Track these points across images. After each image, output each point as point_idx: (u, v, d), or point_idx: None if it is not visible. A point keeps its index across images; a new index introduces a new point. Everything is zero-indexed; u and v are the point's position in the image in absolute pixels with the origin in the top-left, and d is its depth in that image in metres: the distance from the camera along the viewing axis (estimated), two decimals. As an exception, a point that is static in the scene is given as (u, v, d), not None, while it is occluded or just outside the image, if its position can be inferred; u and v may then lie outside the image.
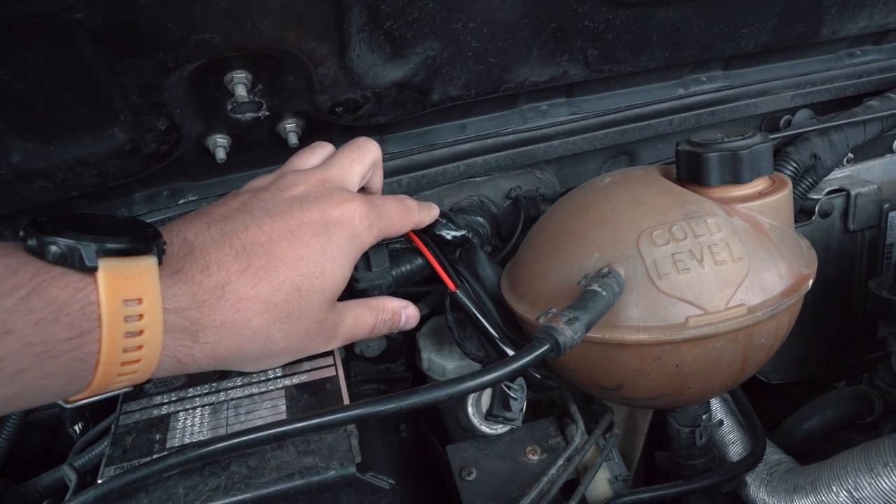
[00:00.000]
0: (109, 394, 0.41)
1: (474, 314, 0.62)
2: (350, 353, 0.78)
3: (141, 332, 0.37)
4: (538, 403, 0.80)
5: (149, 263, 0.38)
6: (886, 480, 0.53)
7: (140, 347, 0.38)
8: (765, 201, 0.60)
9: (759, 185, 0.61)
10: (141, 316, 0.37)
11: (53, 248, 0.35)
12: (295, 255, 0.45)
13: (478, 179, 0.73)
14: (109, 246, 0.36)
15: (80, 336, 0.35)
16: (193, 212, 0.47)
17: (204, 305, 0.42)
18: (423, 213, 0.58)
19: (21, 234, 0.36)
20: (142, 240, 0.39)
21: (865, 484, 0.55)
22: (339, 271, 0.48)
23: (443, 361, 0.71)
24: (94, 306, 0.35)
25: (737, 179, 0.60)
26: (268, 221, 0.46)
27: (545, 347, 0.47)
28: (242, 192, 0.51)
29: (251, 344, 0.45)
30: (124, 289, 0.36)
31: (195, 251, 0.43)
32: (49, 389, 0.36)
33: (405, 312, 0.58)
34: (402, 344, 0.78)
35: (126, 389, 0.43)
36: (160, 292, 0.38)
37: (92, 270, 0.36)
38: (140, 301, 0.37)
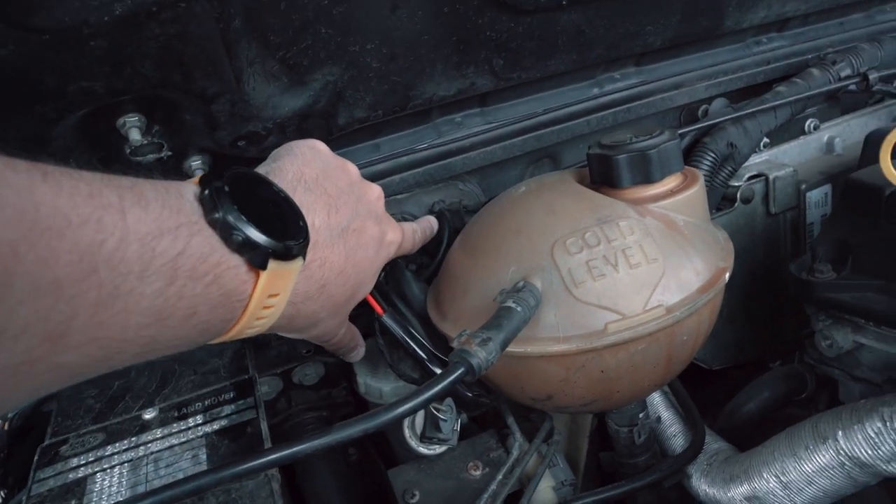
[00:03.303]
0: None
1: (402, 337, 0.61)
2: (289, 382, 0.77)
3: (264, 318, 0.42)
4: (484, 417, 0.80)
5: (297, 267, 0.42)
6: (808, 463, 0.55)
7: (256, 327, 0.42)
8: (677, 198, 0.61)
9: (670, 182, 0.62)
10: (272, 306, 0.41)
11: (237, 238, 0.37)
12: (362, 265, 0.51)
13: (399, 197, 0.72)
14: (278, 251, 0.39)
15: (229, 320, 0.39)
16: (308, 182, 0.48)
17: (309, 300, 0.47)
18: (418, 238, 0.63)
19: (206, 192, 0.38)
20: (302, 244, 0.42)
21: (791, 468, 0.56)
22: (371, 285, 0.55)
23: (379, 384, 0.70)
24: (247, 299, 0.39)
25: (648, 179, 0.60)
26: (360, 227, 0.51)
27: (459, 372, 0.46)
28: (337, 169, 0.52)
29: (305, 321, 0.49)
30: (272, 286, 0.40)
31: (318, 243, 0.46)
32: (178, 347, 0.39)
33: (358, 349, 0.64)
34: (340, 369, 0.77)
35: None
36: (293, 288, 0.43)
37: (259, 269, 0.39)
38: (276, 295, 0.41)
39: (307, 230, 0.43)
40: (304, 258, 0.43)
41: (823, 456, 0.54)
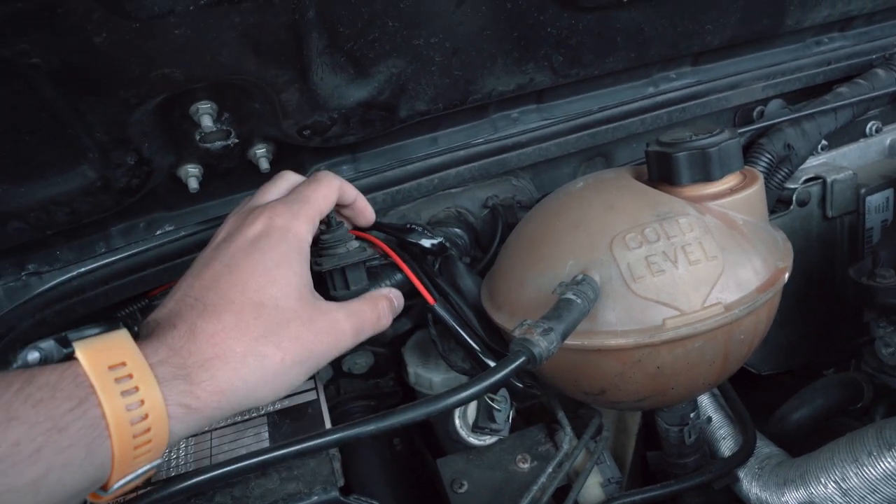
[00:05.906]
0: (139, 472, 0.42)
1: (454, 327, 0.62)
2: (338, 371, 0.78)
3: (137, 389, 0.40)
4: (531, 411, 0.80)
5: (121, 335, 0.42)
6: (871, 469, 0.53)
7: (142, 402, 0.40)
8: (736, 197, 0.60)
9: (730, 181, 0.62)
10: (131, 375, 0.40)
11: (31, 356, 0.40)
12: (240, 281, 0.47)
13: (453, 191, 0.73)
14: (81, 335, 0.42)
15: (80, 405, 0.38)
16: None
17: (183, 350, 0.44)
18: (344, 184, 0.56)
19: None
20: (110, 326, 0.45)
21: (852, 474, 0.55)
22: (289, 270, 0.49)
23: (429, 375, 0.71)
24: (84, 377, 0.39)
25: (707, 177, 0.60)
26: (208, 267, 0.49)
27: (521, 360, 0.47)
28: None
29: (246, 367, 0.45)
30: (105, 358, 0.40)
31: (160, 321, 0.46)
32: (72, 464, 0.38)
33: (393, 294, 0.57)
34: (389, 359, 0.78)
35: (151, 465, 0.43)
36: (140, 353, 0.42)
37: (70, 353, 0.40)
38: (124, 363, 0.40)
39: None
40: (129, 329, 0.45)
41: (890, 463, 0.53)
